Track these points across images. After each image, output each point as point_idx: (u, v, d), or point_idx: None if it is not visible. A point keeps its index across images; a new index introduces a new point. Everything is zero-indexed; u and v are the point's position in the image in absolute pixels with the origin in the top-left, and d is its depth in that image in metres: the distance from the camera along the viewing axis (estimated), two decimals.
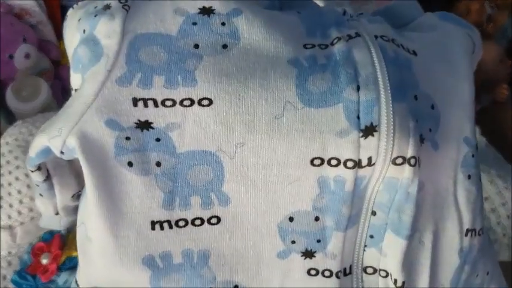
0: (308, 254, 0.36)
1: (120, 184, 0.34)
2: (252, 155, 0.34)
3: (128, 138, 0.34)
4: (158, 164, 0.34)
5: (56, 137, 0.34)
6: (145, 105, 0.34)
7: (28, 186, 0.60)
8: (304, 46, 0.36)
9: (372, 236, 0.37)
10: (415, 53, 0.38)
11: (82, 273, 0.38)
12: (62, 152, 0.34)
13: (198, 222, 0.35)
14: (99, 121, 0.33)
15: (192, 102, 0.34)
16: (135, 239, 0.34)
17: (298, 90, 0.33)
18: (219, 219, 0.35)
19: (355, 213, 0.36)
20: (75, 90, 0.36)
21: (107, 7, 0.35)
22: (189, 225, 0.35)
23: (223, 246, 0.35)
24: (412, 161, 0.34)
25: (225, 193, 0.35)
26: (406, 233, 0.36)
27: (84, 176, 0.34)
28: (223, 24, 0.35)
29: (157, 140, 0.34)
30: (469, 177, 0.38)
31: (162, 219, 0.34)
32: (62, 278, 0.56)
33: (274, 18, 0.36)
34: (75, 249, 0.58)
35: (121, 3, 0.36)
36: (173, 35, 0.34)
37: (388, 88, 0.33)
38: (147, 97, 0.34)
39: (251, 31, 0.35)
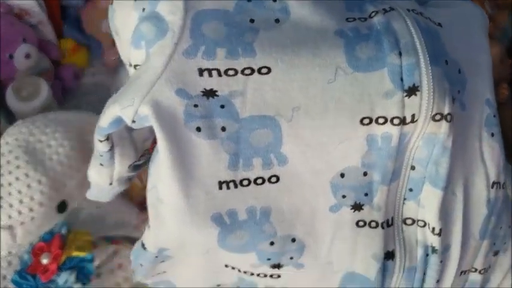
0: (357, 207, 0.40)
1: (190, 148, 0.36)
2: (307, 117, 0.37)
3: (195, 106, 0.37)
4: (223, 128, 0.37)
5: (129, 106, 0.37)
6: (210, 75, 0.37)
7: (28, 186, 0.60)
8: (347, 19, 0.39)
9: (411, 190, 0.41)
10: (440, 25, 0.41)
11: (151, 236, 0.40)
12: (133, 121, 0.37)
13: (259, 181, 0.38)
14: (170, 91, 0.36)
15: (252, 71, 0.37)
16: (205, 198, 0.37)
17: (347, 57, 0.37)
18: (278, 178, 0.38)
19: (397, 168, 0.39)
20: (135, 65, 0.39)
21: None
22: (252, 184, 0.38)
23: (283, 203, 0.39)
24: (449, 118, 0.38)
25: (283, 154, 0.38)
26: (443, 185, 0.39)
27: (158, 142, 0.36)
28: (274, 0, 0.39)
29: (222, 106, 0.37)
30: (492, 135, 0.43)
31: (228, 179, 0.37)
32: (62, 278, 0.56)
33: None
34: (75, 249, 0.58)
35: None
36: (230, 11, 0.38)
37: (426, 53, 0.37)
38: (211, 67, 0.37)
39: (300, 7, 0.39)
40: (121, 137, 0.43)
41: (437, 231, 0.41)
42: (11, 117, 0.71)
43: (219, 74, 0.37)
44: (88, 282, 0.58)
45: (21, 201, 0.60)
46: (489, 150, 0.42)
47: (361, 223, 0.40)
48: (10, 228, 0.60)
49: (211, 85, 0.37)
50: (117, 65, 0.79)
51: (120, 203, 0.67)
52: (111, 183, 0.46)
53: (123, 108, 0.37)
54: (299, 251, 0.40)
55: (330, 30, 0.38)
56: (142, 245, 0.42)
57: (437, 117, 0.38)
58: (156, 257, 0.42)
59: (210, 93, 0.37)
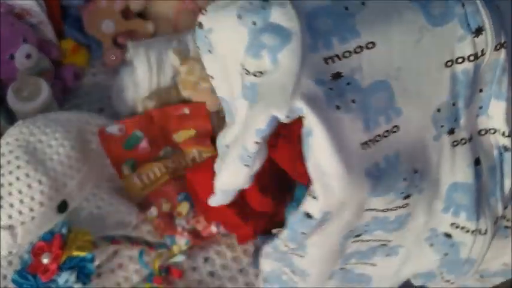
0: (451, 131, 0.50)
1: (336, 123, 0.45)
2: (408, 73, 0.47)
3: (331, 89, 0.45)
4: (353, 101, 0.46)
5: (282, 105, 0.43)
6: (333, 61, 0.45)
7: (29, 186, 0.60)
8: None
9: (481, 107, 0.51)
10: None
11: (320, 205, 0.47)
12: (287, 116, 0.44)
13: (386, 134, 0.47)
14: (311, 82, 0.44)
15: (362, 48, 0.46)
16: (356, 160, 0.45)
17: (426, 17, 0.47)
18: (398, 127, 0.48)
19: (472, 93, 0.50)
20: (256, 72, 0.45)
21: None
22: (382, 137, 0.47)
23: (405, 144, 0.48)
24: (505, 45, 0.48)
25: (398, 107, 0.48)
26: (505, 96, 0.50)
27: (312, 126, 0.44)
28: None
29: (348, 83, 0.46)
30: None
31: (367, 140, 0.46)
32: (62, 278, 0.57)
33: None
34: (76, 249, 0.58)
35: None
36: (328, 5, 0.46)
37: (482, 1, 0.48)
38: (332, 55, 0.45)
39: None
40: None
41: (507, 133, 0.51)
42: (11, 118, 0.72)
43: (339, 58, 0.45)
44: (88, 282, 0.58)
45: (21, 201, 0.60)
46: None
47: (455, 143, 0.50)
48: (11, 228, 0.60)
49: (335, 69, 0.45)
50: (118, 65, 0.79)
51: (120, 203, 0.67)
52: (246, 183, 0.51)
53: (278, 108, 0.43)
54: (420, 178, 0.50)
55: (404, 1, 0.47)
56: (307, 214, 0.48)
57: (498, 46, 0.48)
58: (319, 221, 0.48)
59: (337, 76, 0.45)
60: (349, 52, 0.46)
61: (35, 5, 0.77)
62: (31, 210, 0.60)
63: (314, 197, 0.46)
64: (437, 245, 0.54)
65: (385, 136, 0.47)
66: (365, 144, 0.46)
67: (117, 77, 0.76)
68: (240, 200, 0.65)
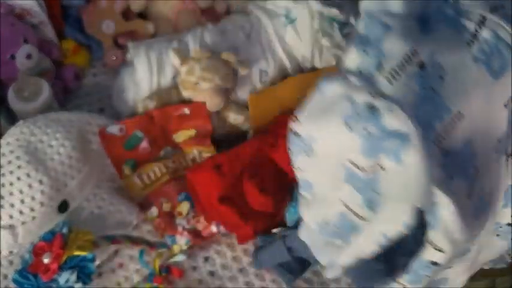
0: (506, 151, 0.56)
1: (454, 192, 0.50)
2: (483, 125, 0.54)
3: (444, 165, 0.50)
4: (456, 166, 0.52)
5: (423, 196, 0.49)
6: (440, 142, 0.51)
7: (29, 186, 0.60)
8: (467, 44, 0.54)
9: None
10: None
11: (446, 255, 0.52)
12: (426, 205, 0.50)
13: (475, 179, 0.54)
14: (435, 167, 0.49)
15: (454, 121, 0.52)
16: (467, 210, 0.51)
17: (490, 73, 0.53)
18: (478, 170, 0.54)
19: None
20: (372, 171, 0.49)
21: (371, 106, 0.49)
22: (474, 183, 0.54)
23: (483, 179, 0.55)
24: None
25: (478, 156, 0.54)
26: None
27: (440, 200, 0.49)
28: (433, 67, 0.52)
29: (451, 154, 0.51)
30: None
31: (469, 192, 0.53)
32: (63, 277, 0.57)
33: (440, 38, 0.54)
34: (76, 249, 0.58)
35: (376, 94, 0.49)
36: (418, 91, 0.50)
37: None
38: (439, 137, 0.51)
39: (443, 58, 0.53)
40: None
41: None
42: (12, 118, 0.72)
43: (443, 137, 0.51)
44: (89, 281, 0.58)
45: (22, 201, 0.60)
46: None
47: (509, 158, 0.57)
48: (11, 227, 0.61)
49: (443, 147, 0.51)
50: (118, 66, 0.79)
51: (121, 203, 0.67)
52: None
53: (419, 200, 0.49)
54: (490, 195, 0.56)
55: (468, 60, 0.53)
56: (433, 262, 0.54)
57: None
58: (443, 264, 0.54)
59: (445, 153, 0.51)
60: (448, 129, 0.52)
61: (35, 5, 0.77)
62: (32, 210, 0.60)
63: (439, 250, 0.52)
64: (503, 234, 0.60)
65: (475, 181, 0.54)
66: (468, 195, 0.53)
67: (118, 77, 0.76)
68: (240, 200, 0.65)
